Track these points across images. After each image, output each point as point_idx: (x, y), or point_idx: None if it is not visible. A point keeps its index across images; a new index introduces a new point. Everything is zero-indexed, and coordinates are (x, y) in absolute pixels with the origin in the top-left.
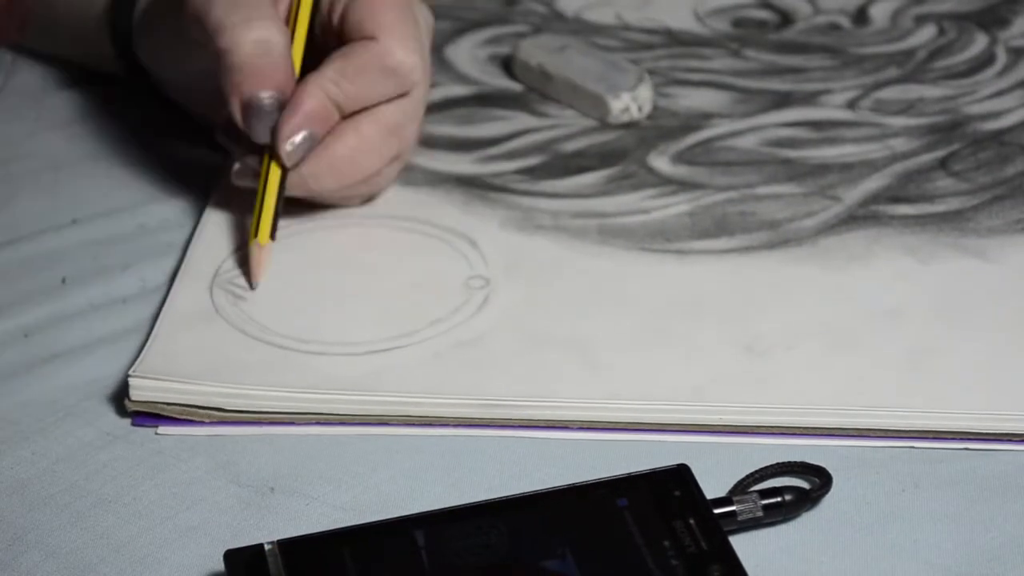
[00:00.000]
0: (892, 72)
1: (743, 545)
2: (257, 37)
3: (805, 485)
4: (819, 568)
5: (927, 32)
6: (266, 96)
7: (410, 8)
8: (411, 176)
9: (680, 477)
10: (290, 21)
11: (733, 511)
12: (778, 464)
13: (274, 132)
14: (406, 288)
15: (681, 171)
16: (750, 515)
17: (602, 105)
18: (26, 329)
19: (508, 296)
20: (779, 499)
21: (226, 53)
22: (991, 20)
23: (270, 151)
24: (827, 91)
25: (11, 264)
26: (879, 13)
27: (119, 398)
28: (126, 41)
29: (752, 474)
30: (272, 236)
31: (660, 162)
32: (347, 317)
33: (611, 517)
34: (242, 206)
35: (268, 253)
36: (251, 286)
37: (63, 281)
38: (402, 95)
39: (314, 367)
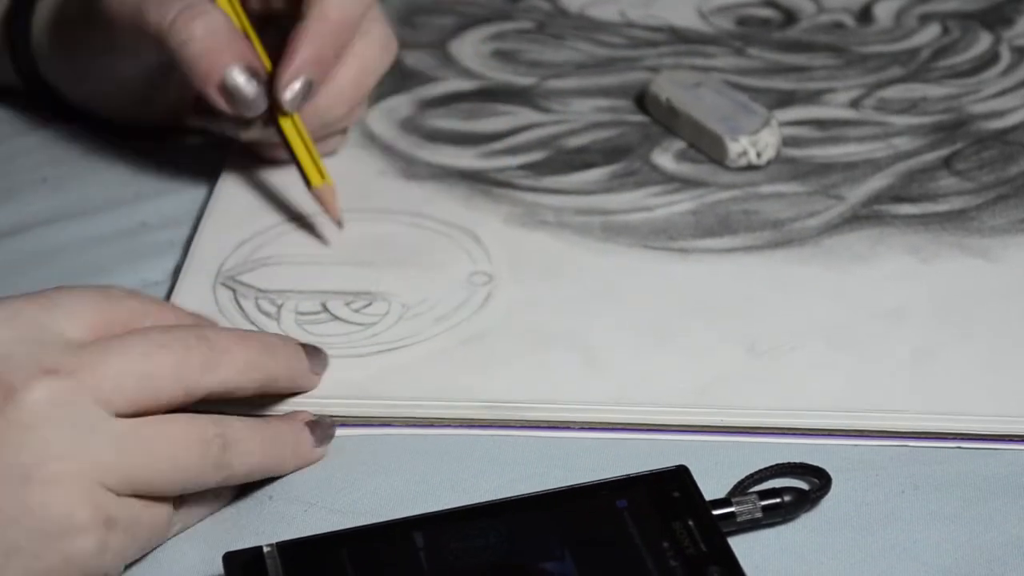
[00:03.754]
0: (896, 71)
1: (742, 546)
2: (203, 22)
3: (804, 486)
4: (819, 569)
5: (931, 31)
6: (237, 71)
7: None
8: (415, 171)
9: (679, 478)
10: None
11: (732, 512)
12: (777, 465)
13: (273, 84)
14: (410, 283)
15: (685, 169)
16: (749, 516)
17: (721, 147)
18: None
19: (511, 293)
20: (778, 500)
21: (181, 47)
22: (995, 19)
23: (273, 107)
24: (831, 90)
25: (11, 261)
26: (883, 12)
27: None
28: (28, 60)
29: (751, 475)
30: (322, 176)
31: (664, 159)
32: (351, 315)
33: (610, 518)
34: (245, 203)
35: (331, 191)
36: (340, 225)
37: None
38: (375, 12)
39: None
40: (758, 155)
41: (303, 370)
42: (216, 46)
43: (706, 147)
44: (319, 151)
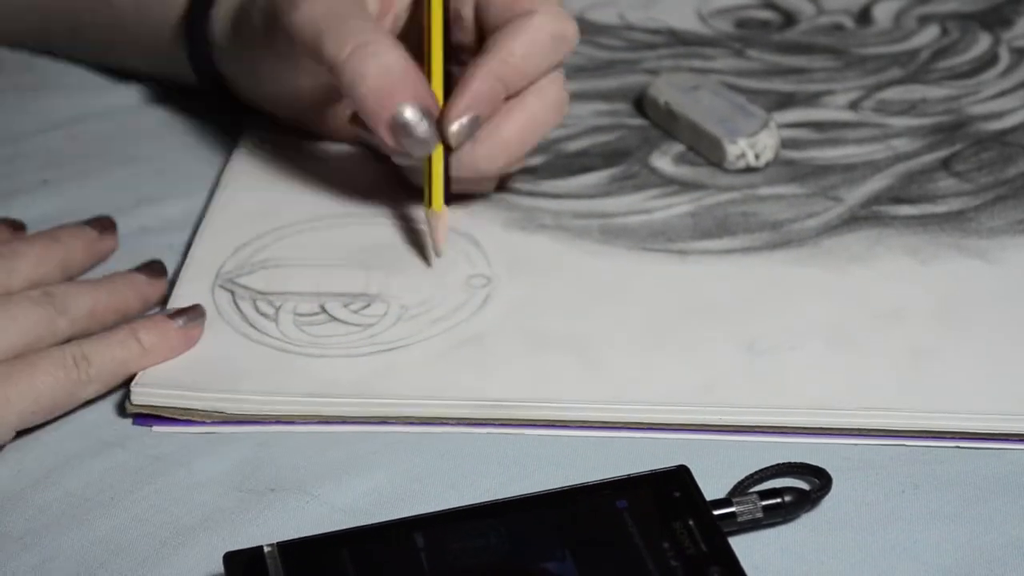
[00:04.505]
0: (895, 73)
1: (743, 546)
2: (374, 64)
3: (805, 486)
4: (819, 569)
5: (930, 32)
6: (406, 110)
7: None
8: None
9: (680, 478)
10: (425, 28)
11: (733, 512)
12: (778, 465)
13: (441, 116)
14: (408, 286)
15: (684, 171)
16: (750, 516)
17: (719, 150)
18: None
19: (509, 295)
20: (779, 500)
21: (352, 85)
22: (995, 20)
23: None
24: (830, 92)
25: None
26: (882, 13)
27: (119, 401)
28: (204, 57)
29: (752, 475)
30: (447, 202)
31: (663, 162)
32: (350, 316)
33: (611, 518)
34: (245, 207)
35: (444, 219)
36: (437, 254)
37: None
38: (559, 69)
39: (316, 370)
40: (756, 157)
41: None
42: (387, 86)
43: (705, 149)
44: (471, 190)
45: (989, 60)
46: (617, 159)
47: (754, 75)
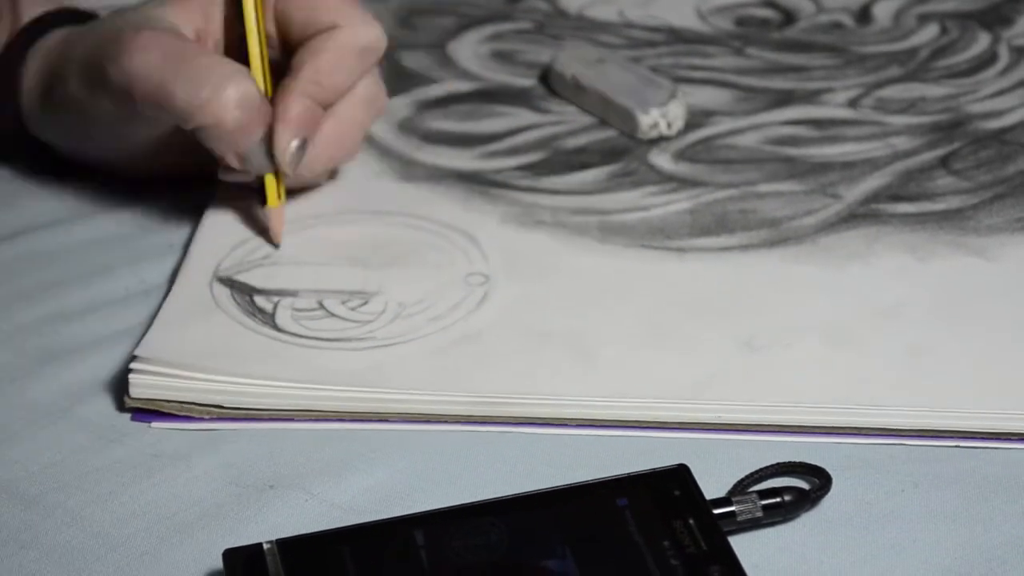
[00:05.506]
0: (894, 71)
1: (742, 545)
2: (238, 99)
3: (805, 485)
4: (819, 568)
5: (930, 31)
6: (260, 141)
7: None
8: (412, 172)
9: (680, 477)
10: (248, 36)
11: (733, 511)
12: (777, 464)
13: (270, 146)
14: (406, 284)
15: (682, 168)
16: (750, 515)
17: (632, 120)
18: (24, 329)
19: (507, 292)
20: (779, 499)
21: (213, 127)
22: (994, 19)
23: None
24: (829, 89)
25: (9, 263)
26: (882, 12)
27: (118, 398)
28: (12, 118)
29: (752, 474)
30: (280, 197)
31: (661, 159)
32: (347, 312)
33: (611, 517)
34: (245, 204)
35: (281, 213)
36: (276, 246)
37: None
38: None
39: (314, 360)
40: (668, 126)
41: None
42: (247, 119)
43: (616, 121)
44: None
45: (988, 59)
46: (616, 156)
47: (754, 73)
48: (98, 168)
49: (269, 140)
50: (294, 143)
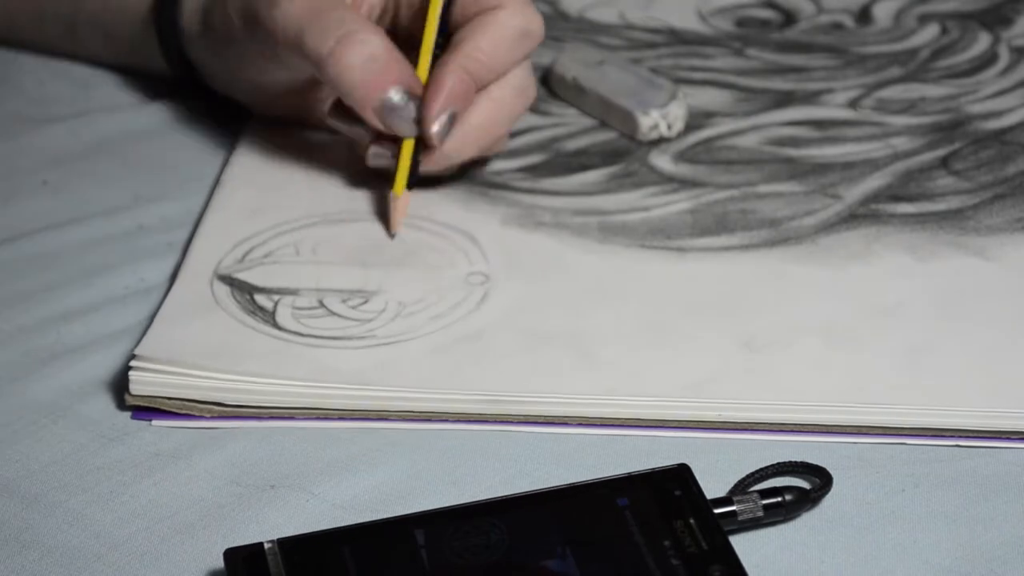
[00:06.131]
0: (894, 71)
1: (743, 545)
2: (360, 52)
3: (805, 485)
4: (819, 568)
5: (930, 31)
6: (393, 94)
7: None
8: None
9: (680, 477)
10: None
11: (733, 511)
12: (778, 464)
13: (419, 116)
14: (407, 283)
15: (683, 169)
16: (750, 515)
17: (632, 122)
18: (25, 329)
19: (508, 292)
20: (779, 499)
21: (339, 76)
22: (994, 19)
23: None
24: (829, 90)
25: (10, 264)
26: (882, 12)
27: (118, 397)
28: (175, 47)
29: (752, 474)
30: (409, 186)
31: (662, 160)
32: (348, 311)
33: (611, 516)
34: (244, 204)
35: (404, 203)
36: (391, 235)
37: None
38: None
39: (314, 358)
40: (669, 127)
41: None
42: (374, 73)
43: (616, 123)
44: (437, 174)
45: (989, 59)
46: (616, 157)
47: (754, 74)
48: (245, 104)
49: (419, 122)
50: (444, 115)
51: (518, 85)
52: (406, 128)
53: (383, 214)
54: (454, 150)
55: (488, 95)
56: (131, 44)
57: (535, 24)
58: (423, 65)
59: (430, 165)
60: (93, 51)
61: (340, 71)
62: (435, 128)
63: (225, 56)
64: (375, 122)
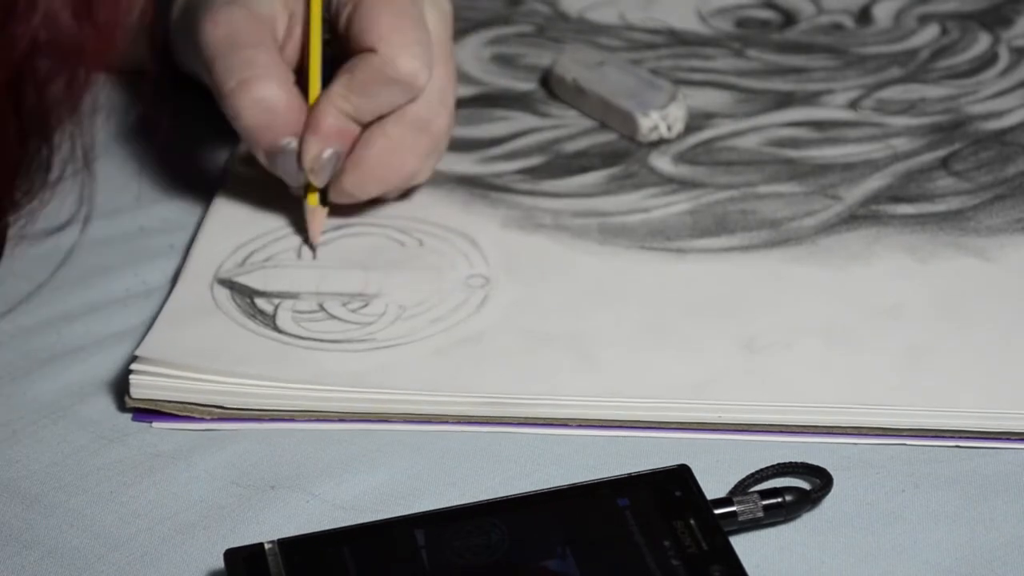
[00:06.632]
0: (894, 72)
1: (743, 545)
2: (256, 97)
3: (806, 486)
4: (819, 568)
5: (930, 32)
6: (284, 143)
7: (410, 10)
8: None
9: (681, 477)
10: (306, 35)
11: (734, 511)
12: (778, 464)
13: (299, 158)
14: (407, 286)
15: (683, 171)
16: (751, 515)
17: (631, 123)
18: (25, 330)
19: (508, 294)
20: (780, 500)
21: (234, 120)
22: (994, 20)
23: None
24: (829, 91)
25: (11, 263)
26: (882, 13)
27: (119, 398)
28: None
29: (753, 474)
30: (323, 203)
31: (662, 162)
32: (348, 314)
33: (612, 517)
34: (245, 208)
35: (320, 215)
36: (311, 247)
37: None
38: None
39: (314, 361)
40: (668, 128)
41: None
42: (264, 123)
43: (616, 124)
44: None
45: (989, 59)
46: (616, 159)
47: (754, 75)
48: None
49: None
50: (325, 153)
51: (416, 121)
52: (292, 176)
53: (301, 226)
54: (353, 187)
55: (383, 132)
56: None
57: (406, 75)
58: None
59: (335, 199)
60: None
61: (235, 113)
62: (309, 166)
63: (188, 52)
64: (264, 162)
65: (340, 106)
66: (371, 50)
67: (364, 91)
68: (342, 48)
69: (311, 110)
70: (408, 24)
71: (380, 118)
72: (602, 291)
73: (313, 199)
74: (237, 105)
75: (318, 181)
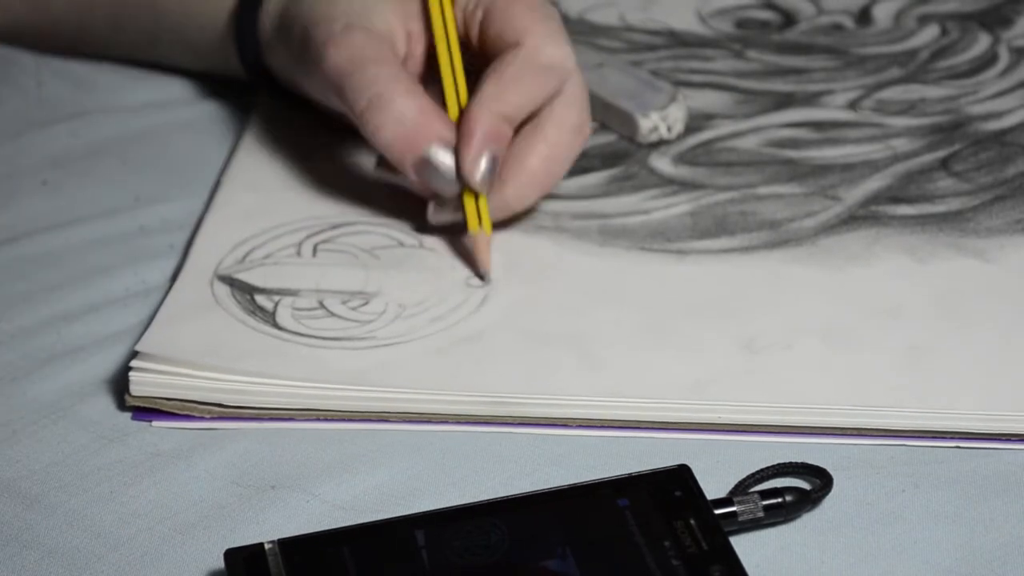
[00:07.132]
0: (894, 72)
1: (744, 545)
2: (391, 111)
3: (806, 486)
4: (819, 568)
5: (930, 32)
6: (428, 152)
7: (543, 6)
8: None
9: (681, 477)
10: (439, 47)
11: (734, 511)
12: (779, 465)
13: (458, 168)
14: (407, 286)
15: (683, 172)
16: (751, 516)
17: (631, 124)
18: (25, 330)
19: (508, 294)
20: (780, 500)
21: (373, 135)
22: (994, 20)
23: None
24: (829, 92)
25: (10, 264)
26: (882, 13)
27: (119, 398)
28: (254, 58)
29: (753, 474)
30: (482, 223)
31: (662, 163)
32: (348, 312)
33: (612, 517)
34: (245, 206)
35: (486, 241)
36: (482, 278)
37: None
38: (569, 95)
39: (315, 359)
40: (668, 129)
41: None
42: (403, 135)
43: (616, 125)
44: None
45: (988, 60)
46: (616, 160)
47: (754, 75)
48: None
49: (459, 173)
50: (483, 160)
51: (574, 125)
52: (446, 186)
53: (468, 257)
54: (516, 199)
55: (544, 138)
56: (212, 53)
57: (556, 58)
58: (452, 113)
59: (497, 213)
60: (173, 60)
61: (372, 132)
62: (476, 176)
63: (291, 68)
64: (416, 182)
65: (493, 107)
66: (515, 45)
67: (517, 86)
68: (471, 63)
69: (462, 117)
70: (546, 17)
71: (534, 124)
72: (602, 291)
73: (473, 223)
74: (373, 122)
75: (483, 188)
